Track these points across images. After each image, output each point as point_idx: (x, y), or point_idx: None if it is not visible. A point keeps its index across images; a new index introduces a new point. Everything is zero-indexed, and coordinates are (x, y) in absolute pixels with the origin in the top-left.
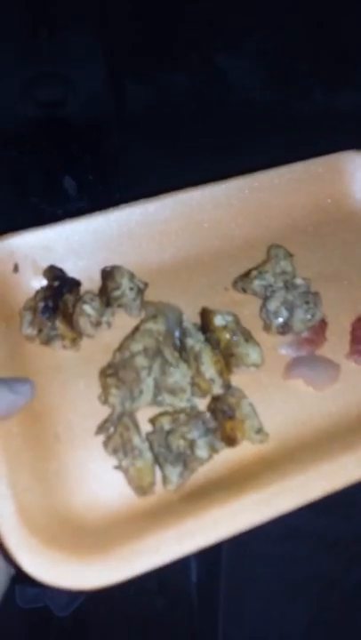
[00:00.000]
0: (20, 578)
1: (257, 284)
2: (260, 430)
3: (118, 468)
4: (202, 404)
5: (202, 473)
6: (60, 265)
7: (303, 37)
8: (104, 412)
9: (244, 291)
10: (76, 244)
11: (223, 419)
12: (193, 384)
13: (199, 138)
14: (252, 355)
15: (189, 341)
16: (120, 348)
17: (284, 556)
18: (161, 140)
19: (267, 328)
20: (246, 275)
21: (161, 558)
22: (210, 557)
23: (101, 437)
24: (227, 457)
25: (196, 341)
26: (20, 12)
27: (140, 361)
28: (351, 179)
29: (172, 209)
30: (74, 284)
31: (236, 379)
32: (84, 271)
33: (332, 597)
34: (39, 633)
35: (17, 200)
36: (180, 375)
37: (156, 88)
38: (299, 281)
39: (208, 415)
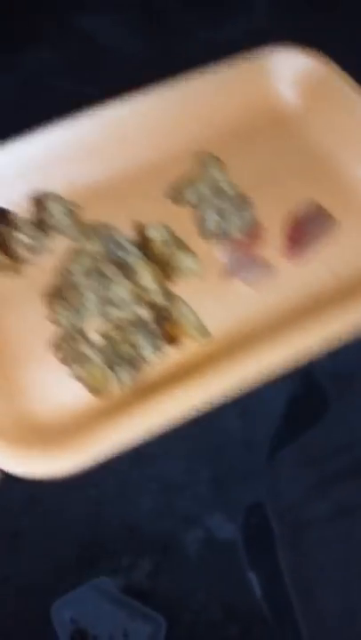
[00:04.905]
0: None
1: (189, 193)
2: (199, 328)
3: (73, 376)
4: (145, 312)
5: (152, 373)
6: None
7: None
8: (55, 329)
9: (178, 201)
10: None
11: (162, 320)
12: (134, 295)
13: None
14: (187, 261)
15: (126, 256)
16: (61, 270)
17: (340, 536)
18: None
19: (202, 235)
20: (178, 185)
21: (117, 446)
22: (267, 565)
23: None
24: (174, 357)
25: (131, 255)
26: None
27: (81, 279)
28: (277, 76)
29: (96, 125)
30: (4, 214)
31: (178, 287)
32: (15, 198)
33: None
34: None
35: None
36: (121, 289)
37: None
38: (227, 187)
39: (150, 320)
